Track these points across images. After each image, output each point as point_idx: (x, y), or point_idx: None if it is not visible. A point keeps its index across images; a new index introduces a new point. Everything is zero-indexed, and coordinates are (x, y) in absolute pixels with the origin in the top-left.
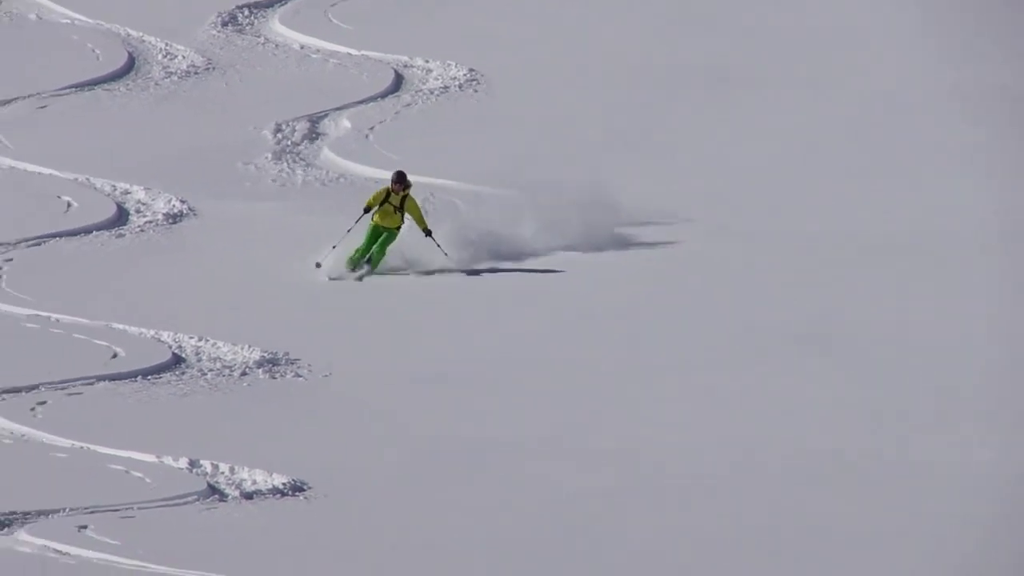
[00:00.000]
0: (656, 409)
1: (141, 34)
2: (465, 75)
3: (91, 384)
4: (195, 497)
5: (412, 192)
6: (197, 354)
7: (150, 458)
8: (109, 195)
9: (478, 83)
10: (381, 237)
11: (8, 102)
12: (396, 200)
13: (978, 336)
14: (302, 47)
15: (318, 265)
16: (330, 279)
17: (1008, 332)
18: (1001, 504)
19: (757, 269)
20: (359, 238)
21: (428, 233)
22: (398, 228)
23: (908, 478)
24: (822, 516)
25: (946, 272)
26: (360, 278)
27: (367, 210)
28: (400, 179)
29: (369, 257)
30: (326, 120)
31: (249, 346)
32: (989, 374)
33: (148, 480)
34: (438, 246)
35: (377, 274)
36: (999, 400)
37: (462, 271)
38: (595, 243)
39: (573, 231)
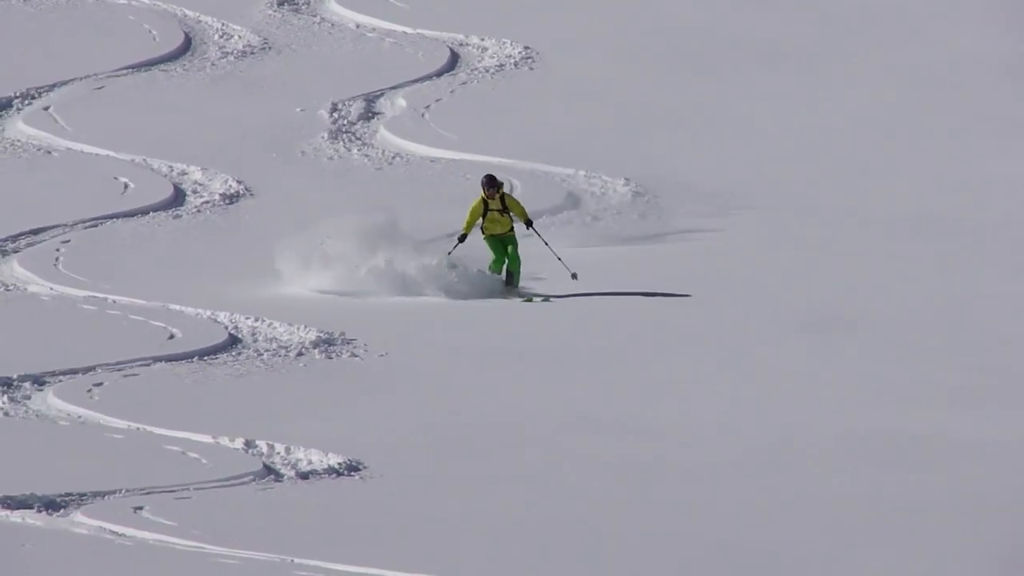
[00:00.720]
0: (694, 387)
1: (197, 14)
2: (520, 53)
3: (147, 365)
4: (251, 477)
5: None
6: (253, 334)
7: (206, 439)
8: (166, 176)
9: (533, 61)
10: (508, 247)
11: (65, 83)
12: (497, 204)
13: (1015, 314)
14: (358, 26)
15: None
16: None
17: None
18: None
19: (802, 246)
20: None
21: (530, 224)
22: (512, 229)
23: (945, 456)
24: (859, 493)
25: (992, 250)
26: (529, 299)
27: (463, 238)
28: (491, 182)
29: (510, 274)
30: (382, 99)
31: (305, 326)
32: (1021, 351)
33: (204, 461)
34: (544, 242)
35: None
36: None
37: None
38: (643, 225)
39: (622, 223)
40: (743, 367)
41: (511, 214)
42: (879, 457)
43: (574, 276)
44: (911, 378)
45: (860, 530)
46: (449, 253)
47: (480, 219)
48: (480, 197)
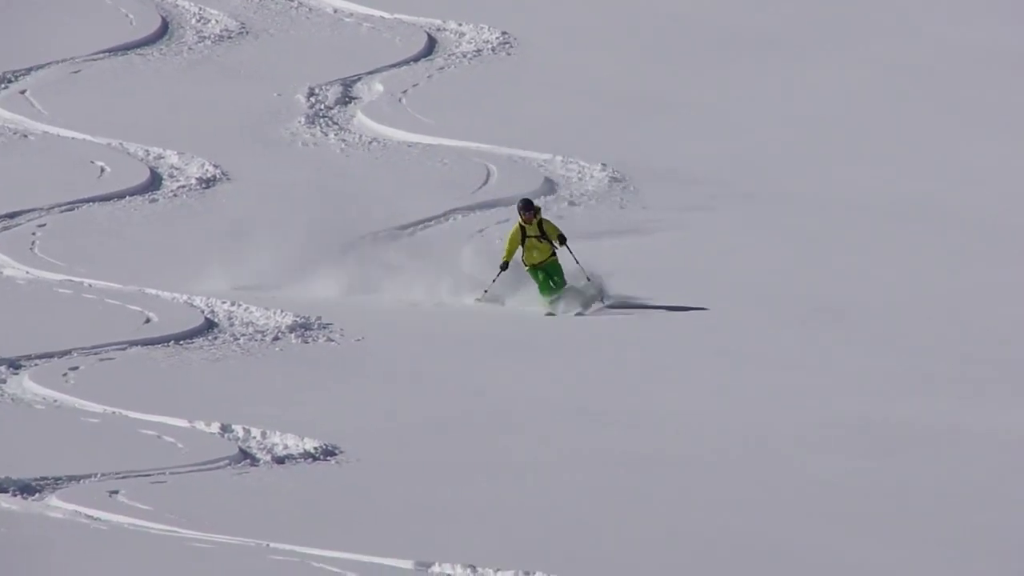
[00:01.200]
0: (683, 377)
1: None
2: (498, 38)
3: (123, 349)
4: (227, 462)
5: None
6: (229, 319)
7: (182, 423)
8: (142, 160)
9: (511, 46)
10: (553, 277)
11: (42, 67)
12: (534, 230)
13: (1007, 304)
14: (335, 11)
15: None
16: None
17: None
18: None
19: (789, 236)
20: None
21: (564, 241)
22: (554, 254)
23: (934, 443)
24: (851, 483)
25: (982, 239)
26: (552, 313)
27: (505, 266)
28: (527, 206)
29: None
30: (359, 84)
31: (281, 311)
32: (1013, 341)
33: (180, 445)
34: (575, 260)
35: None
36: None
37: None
38: (625, 214)
39: (603, 212)
40: (734, 358)
41: (552, 240)
42: (871, 447)
43: (604, 298)
44: (903, 368)
45: (854, 521)
46: (494, 280)
47: (520, 248)
48: (517, 224)
